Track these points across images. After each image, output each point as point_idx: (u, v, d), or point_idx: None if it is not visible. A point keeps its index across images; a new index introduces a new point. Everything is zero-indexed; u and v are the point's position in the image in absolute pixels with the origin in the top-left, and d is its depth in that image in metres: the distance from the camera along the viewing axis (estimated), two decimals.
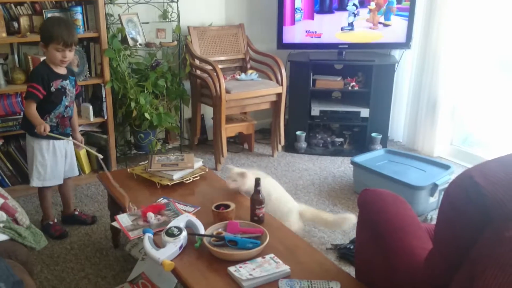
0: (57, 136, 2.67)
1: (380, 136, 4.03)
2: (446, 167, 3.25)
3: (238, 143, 4.37)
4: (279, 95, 3.94)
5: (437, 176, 3.11)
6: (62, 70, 2.67)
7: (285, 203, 2.60)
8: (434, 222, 2.96)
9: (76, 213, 3.00)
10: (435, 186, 3.03)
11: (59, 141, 2.74)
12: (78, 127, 2.98)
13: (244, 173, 2.40)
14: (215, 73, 3.64)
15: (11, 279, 1.60)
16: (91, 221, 2.98)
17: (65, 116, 2.74)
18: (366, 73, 4.04)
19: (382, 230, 1.65)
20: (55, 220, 2.92)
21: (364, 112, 4.05)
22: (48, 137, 2.65)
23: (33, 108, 2.58)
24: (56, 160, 2.76)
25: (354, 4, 3.96)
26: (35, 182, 2.76)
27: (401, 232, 1.60)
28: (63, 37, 2.52)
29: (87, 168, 3.53)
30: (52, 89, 2.62)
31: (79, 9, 3.29)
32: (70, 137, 2.81)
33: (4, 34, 3.12)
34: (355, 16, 3.99)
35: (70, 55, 2.61)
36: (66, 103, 2.71)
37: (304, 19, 4.07)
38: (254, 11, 4.36)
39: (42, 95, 2.59)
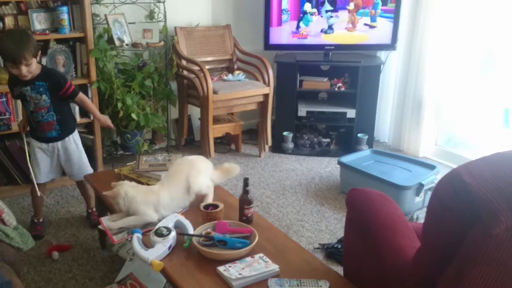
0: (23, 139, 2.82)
1: (366, 137, 4.06)
2: (431, 167, 3.29)
3: (225, 143, 4.37)
4: (266, 95, 3.95)
5: (423, 176, 3.15)
6: (25, 77, 2.55)
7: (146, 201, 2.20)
8: (420, 221, 3.01)
9: (89, 211, 3.00)
10: (420, 186, 3.06)
11: (45, 144, 2.75)
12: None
13: (114, 193, 2.15)
14: (202, 74, 3.64)
15: None
16: (93, 224, 2.90)
17: (39, 121, 2.67)
18: (352, 74, 4.08)
19: (371, 229, 1.67)
20: (41, 220, 2.90)
21: (351, 113, 4.08)
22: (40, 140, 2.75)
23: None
24: (43, 160, 2.76)
25: (326, 11, 3.99)
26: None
27: (389, 230, 1.63)
28: (10, 57, 2.44)
29: None
30: (15, 93, 2.67)
31: (65, 9, 3.27)
32: (26, 147, 2.81)
33: None
34: (329, 19, 4.01)
35: (28, 69, 2.49)
36: (31, 109, 2.64)
37: (290, 20, 4.09)
38: (241, 12, 4.37)
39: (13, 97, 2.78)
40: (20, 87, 2.61)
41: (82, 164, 2.86)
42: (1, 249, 1.85)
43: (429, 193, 3.15)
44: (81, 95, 2.79)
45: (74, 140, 2.82)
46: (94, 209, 2.95)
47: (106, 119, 2.89)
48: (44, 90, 2.62)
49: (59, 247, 2.68)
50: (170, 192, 2.17)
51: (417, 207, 3.15)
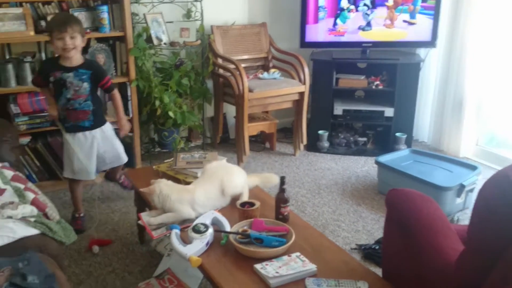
0: (59, 125, 2.84)
1: (405, 136, 3.98)
2: (473, 167, 3.20)
3: (260, 142, 4.37)
4: (301, 94, 3.93)
5: (464, 176, 3.07)
6: (68, 63, 2.70)
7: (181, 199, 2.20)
8: (460, 223, 2.94)
9: (121, 181, 3.23)
10: (462, 186, 2.98)
11: (81, 134, 2.80)
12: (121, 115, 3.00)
13: (150, 189, 2.18)
14: (238, 72, 3.65)
15: (43, 272, 1.63)
16: (130, 188, 3.17)
17: (70, 109, 2.75)
18: (390, 72, 4.01)
19: (411, 230, 1.63)
20: (81, 214, 2.98)
21: (388, 112, 4.01)
22: (71, 131, 2.81)
23: (45, 93, 2.87)
24: (80, 153, 2.81)
25: (365, 4, 3.93)
26: (65, 173, 2.91)
27: (431, 231, 1.59)
28: (58, 23, 2.62)
29: None
30: (51, 79, 2.72)
31: (105, 8, 3.33)
32: (89, 132, 2.82)
33: (32, 33, 3.17)
34: (368, 16, 3.95)
35: (73, 42, 2.62)
36: (69, 96, 2.72)
37: (327, 17, 4.05)
38: (277, 10, 4.35)
39: (43, 84, 2.79)
40: (62, 73, 2.69)
41: (116, 151, 2.97)
42: (45, 243, 1.90)
43: (470, 195, 3.06)
44: (115, 90, 2.95)
45: (106, 130, 2.91)
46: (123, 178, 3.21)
47: (126, 124, 2.99)
48: (86, 78, 2.73)
49: (100, 242, 2.74)
50: (205, 192, 2.18)
51: (457, 209, 3.06)
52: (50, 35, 2.67)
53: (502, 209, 1.18)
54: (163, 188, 2.16)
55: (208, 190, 2.20)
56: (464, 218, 2.99)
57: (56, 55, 2.79)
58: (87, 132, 2.81)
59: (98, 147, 2.86)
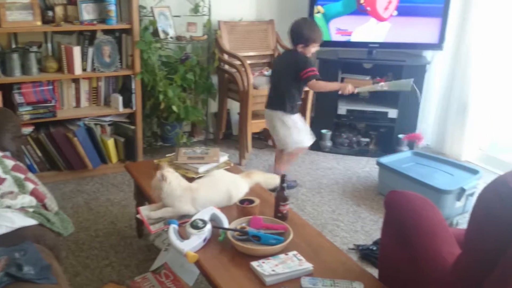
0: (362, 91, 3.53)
1: None
2: (474, 171, 3.18)
3: (263, 139, 4.36)
4: (305, 92, 3.91)
5: (465, 180, 3.05)
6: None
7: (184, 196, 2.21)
8: (459, 226, 2.93)
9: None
10: (462, 190, 2.97)
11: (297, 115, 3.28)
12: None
13: (164, 176, 2.13)
14: (243, 69, 3.64)
15: (39, 263, 1.64)
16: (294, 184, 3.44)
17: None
18: (396, 73, 3.98)
19: (410, 233, 1.63)
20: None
21: (392, 113, 4.00)
22: (293, 112, 3.23)
23: (321, 82, 3.16)
24: (302, 128, 3.30)
25: None
26: (291, 147, 3.31)
27: (430, 235, 1.58)
28: (320, 37, 3.16)
29: (114, 158, 3.58)
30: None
31: (113, 0, 3.33)
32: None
33: (39, 23, 3.18)
34: None
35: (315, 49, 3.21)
36: None
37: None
38: (285, 7, 4.34)
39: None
40: None
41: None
42: (42, 234, 1.91)
43: (470, 199, 3.05)
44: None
45: None
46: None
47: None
48: None
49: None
50: (208, 193, 2.16)
51: (457, 212, 3.05)
52: (307, 41, 3.11)
53: (500, 214, 1.18)
54: (173, 180, 2.15)
55: (211, 193, 2.19)
56: (464, 222, 2.98)
57: (303, 54, 3.17)
58: None
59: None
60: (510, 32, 3.60)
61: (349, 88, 3.18)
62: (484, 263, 1.28)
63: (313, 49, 3.17)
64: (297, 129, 3.27)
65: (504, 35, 3.62)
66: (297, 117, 3.28)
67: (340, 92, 3.24)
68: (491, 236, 1.22)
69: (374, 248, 2.64)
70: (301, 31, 3.13)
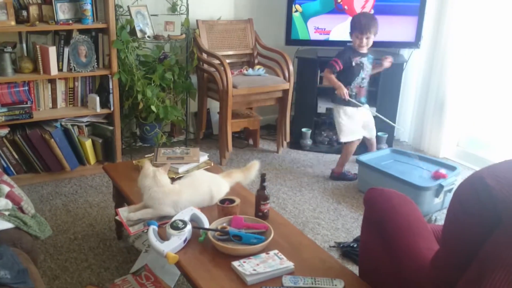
0: (353, 101, 3.38)
1: (386, 135, 4.01)
2: (452, 168, 3.23)
3: (243, 138, 4.36)
4: (285, 91, 3.92)
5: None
6: (364, 50, 3.37)
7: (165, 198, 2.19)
8: (438, 223, 2.96)
9: (345, 172, 3.60)
10: (440, 187, 3.01)
11: (353, 107, 3.41)
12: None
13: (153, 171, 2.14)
14: (222, 68, 3.63)
15: (16, 267, 1.61)
16: (354, 177, 3.55)
17: (362, 86, 3.42)
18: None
19: (388, 230, 1.64)
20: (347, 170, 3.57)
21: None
22: (345, 103, 3.39)
23: (331, 75, 3.37)
24: (352, 122, 3.45)
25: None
26: (342, 139, 3.52)
27: (408, 232, 1.60)
28: (360, 24, 3.26)
29: (92, 159, 3.53)
30: (353, 63, 3.35)
31: None
32: (366, 105, 3.47)
33: (13, 23, 3.12)
34: None
35: (367, 41, 3.30)
36: (363, 76, 3.40)
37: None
38: (263, 6, 4.34)
39: (339, 68, 3.35)
40: (360, 57, 3.37)
41: (370, 127, 3.60)
42: (18, 237, 1.87)
43: (449, 195, 3.09)
44: None
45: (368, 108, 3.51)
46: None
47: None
48: (372, 61, 3.45)
49: None
50: (190, 195, 2.15)
51: (436, 209, 3.09)
52: (351, 30, 3.33)
53: (476, 209, 1.19)
54: (160, 178, 2.11)
55: (193, 194, 2.17)
56: (442, 218, 3.01)
57: (348, 45, 3.43)
58: (359, 108, 3.46)
59: (365, 122, 3.56)
60: (486, 29, 3.66)
61: (343, 92, 3.33)
62: (461, 258, 1.29)
63: (357, 39, 3.31)
64: (344, 122, 3.45)
65: (480, 32, 3.68)
66: (349, 109, 3.43)
67: (336, 92, 3.39)
68: (467, 232, 1.24)
69: (355, 246, 2.66)
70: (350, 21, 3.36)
